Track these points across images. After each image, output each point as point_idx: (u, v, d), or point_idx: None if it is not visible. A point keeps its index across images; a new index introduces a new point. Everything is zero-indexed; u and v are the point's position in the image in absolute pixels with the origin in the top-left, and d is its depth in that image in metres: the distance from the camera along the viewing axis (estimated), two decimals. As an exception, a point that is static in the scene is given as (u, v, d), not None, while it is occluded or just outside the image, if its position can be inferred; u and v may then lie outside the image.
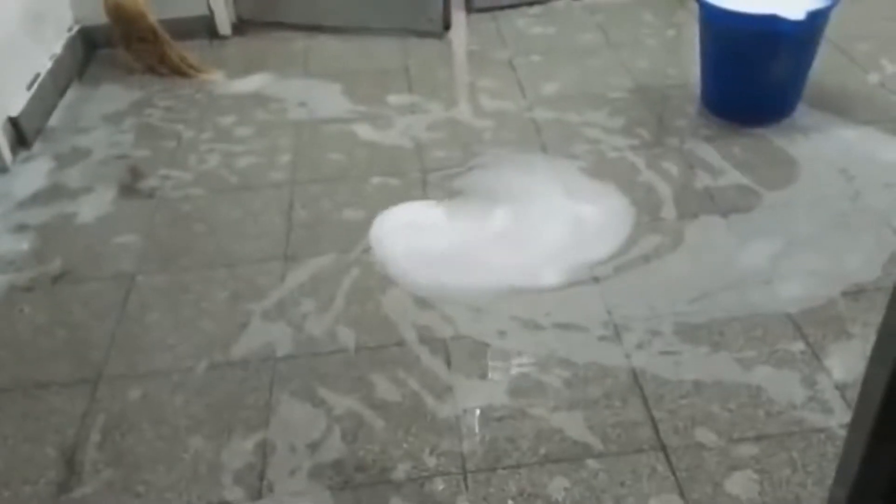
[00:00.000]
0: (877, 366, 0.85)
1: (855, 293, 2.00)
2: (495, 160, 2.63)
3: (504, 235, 2.30)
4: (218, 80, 3.23)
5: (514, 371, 1.86)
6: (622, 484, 1.60)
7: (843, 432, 1.65)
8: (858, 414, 0.90)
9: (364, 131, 2.83)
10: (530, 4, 3.68)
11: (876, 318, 1.89)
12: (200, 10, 3.51)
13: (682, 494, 1.57)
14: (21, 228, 2.45)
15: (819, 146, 2.57)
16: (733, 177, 2.45)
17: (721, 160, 2.53)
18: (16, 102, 2.80)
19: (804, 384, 1.78)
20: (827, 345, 1.87)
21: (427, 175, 2.58)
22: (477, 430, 1.73)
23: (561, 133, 2.74)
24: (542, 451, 1.67)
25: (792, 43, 2.54)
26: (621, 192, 2.42)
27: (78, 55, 3.36)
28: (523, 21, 3.57)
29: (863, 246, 2.16)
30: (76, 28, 3.37)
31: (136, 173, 2.69)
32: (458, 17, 3.62)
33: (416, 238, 2.31)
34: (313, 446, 1.72)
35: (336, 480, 1.64)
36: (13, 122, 2.77)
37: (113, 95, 3.17)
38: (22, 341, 2.05)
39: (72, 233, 2.42)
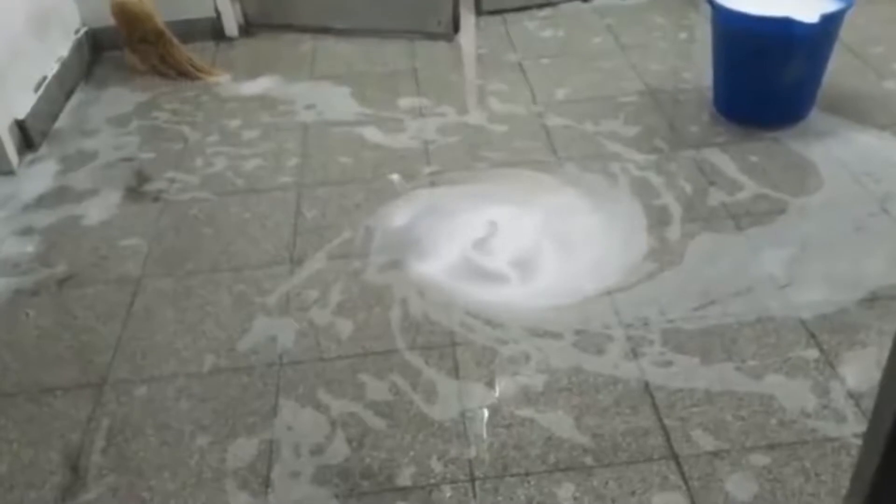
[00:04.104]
0: (892, 374, 0.83)
1: (871, 300, 1.97)
2: (505, 167, 2.61)
3: (514, 246, 2.28)
4: (224, 83, 3.23)
5: (523, 378, 1.84)
6: (633, 493, 1.58)
7: (856, 441, 1.63)
8: (873, 424, 0.88)
9: (372, 134, 2.82)
10: (540, 7, 3.66)
11: (893, 325, 1.87)
12: (207, 12, 3.51)
13: (693, 503, 1.55)
14: (27, 231, 2.45)
15: (836, 150, 2.54)
16: (751, 184, 2.42)
17: (738, 167, 2.49)
18: (22, 105, 2.81)
19: (817, 392, 1.75)
20: (841, 352, 1.84)
21: (436, 179, 2.56)
22: (485, 437, 1.71)
23: (571, 140, 2.72)
24: (552, 458, 1.65)
25: (806, 46, 2.51)
26: (636, 202, 2.38)
27: (84, 57, 3.36)
28: (533, 24, 3.56)
29: (887, 252, 2.13)
30: (83, 30, 3.38)
31: (142, 176, 2.68)
32: (468, 19, 3.60)
33: (425, 243, 2.28)
34: (318, 452, 1.70)
35: (342, 487, 1.62)
36: (20, 125, 2.77)
37: (119, 98, 3.17)
38: (27, 345, 2.04)
39: (77, 236, 2.42)
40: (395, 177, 2.56)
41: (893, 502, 0.88)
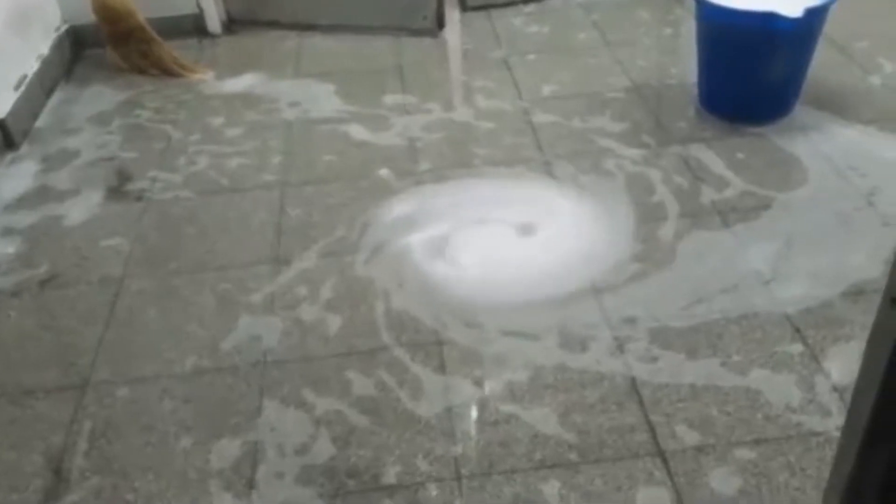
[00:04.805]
0: (869, 368, 0.84)
1: (856, 294, 1.98)
2: (492, 164, 2.60)
3: (504, 243, 2.27)
4: (208, 80, 3.21)
5: (509, 376, 1.83)
6: (618, 489, 1.57)
7: (842, 435, 1.63)
8: (850, 418, 0.89)
9: (357, 132, 2.80)
10: (525, 2, 3.65)
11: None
12: (190, 9, 3.49)
13: (679, 499, 1.54)
14: (7, 232, 2.42)
15: (821, 145, 2.54)
16: (737, 180, 2.41)
17: (723, 163, 2.48)
18: (2, 104, 2.78)
19: (803, 387, 1.75)
20: (826, 347, 1.85)
21: (422, 177, 2.55)
22: (471, 434, 1.70)
23: (558, 136, 2.71)
24: (538, 456, 1.65)
25: (790, 41, 2.52)
26: (624, 199, 2.37)
27: (65, 55, 3.33)
28: (518, 19, 3.55)
29: (872, 246, 2.13)
30: (64, 28, 3.35)
31: (124, 175, 2.66)
32: (453, 15, 3.60)
33: (412, 242, 2.27)
34: (303, 452, 1.69)
35: (327, 487, 1.61)
36: (0, 124, 2.73)
37: (101, 96, 3.14)
38: (8, 347, 2.02)
39: (59, 236, 2.39)
40: (383, 171, 2.55)
41: (870, 495, 0.89)
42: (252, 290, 2.13)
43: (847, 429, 0.89)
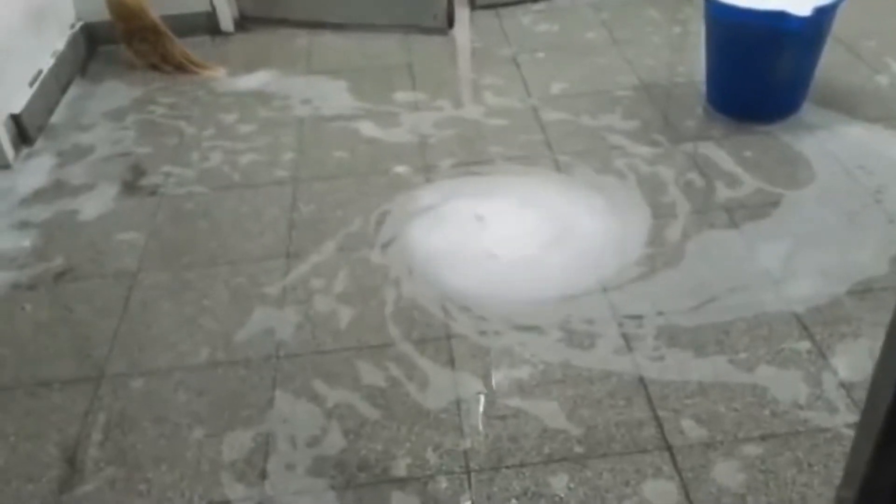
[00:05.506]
0: (885, 368, 0.84)
1: (863, 292, 1.99)
2: (501, 161, 2.62)
3: (512, 240, 2.28)
4: (220, 77, 3.23)
5: (517, 371, 1.85)
6: (626, 483, 1.59)
7: (848, 432, 1.64)
8: (866, 414, 0.88)
9: (368, 128, 2.82)
10: (534, 1, 3.66)
11: (885, 317, 1.88)
12: (202, 7, 3.51)
13: (686, 494, 1.56)
14: (23, 226, 2.45)
15: (828, 144, 2.55)
16: (746, 178, 2.42)
17: (732, 161, 2.50)
18: (18, 99, 2.80)
19: (810, 383, 1.76)
20: (834, 344, 1.86)
21: (431, 174, 2.57)
22: (480, 428, 1.72)
23: (567, 134, 2.72)
24: (546, 450, 1.66)
25: (798, 40, 2.52)
26: (634, 197, 2.39)
27: (80, 52, 3.36)
28: (527, 18, 3.56)
29: (879, 244, 2.14)
30: (78, 24, 3.38)
31: (138, 170, 2.69)
32: (462, 13, 3.61)
33: (422, 237, 2.29)
34: (315, 444, 1.71)
35: (338, 479, 1.63)
36: (15, 119, 2.77)
37: (115, 92, 3.17)
38: (24, 339, 2.05)
39: (74, 230, 2.42)
40: (397, 168, 2.57)
41: (886, 492, 0.89)
42: (265, 284, 2.15)
43: (862, 428, 0.89)
